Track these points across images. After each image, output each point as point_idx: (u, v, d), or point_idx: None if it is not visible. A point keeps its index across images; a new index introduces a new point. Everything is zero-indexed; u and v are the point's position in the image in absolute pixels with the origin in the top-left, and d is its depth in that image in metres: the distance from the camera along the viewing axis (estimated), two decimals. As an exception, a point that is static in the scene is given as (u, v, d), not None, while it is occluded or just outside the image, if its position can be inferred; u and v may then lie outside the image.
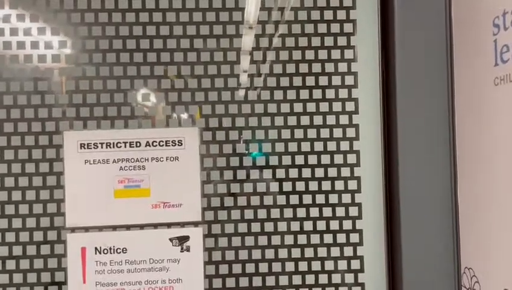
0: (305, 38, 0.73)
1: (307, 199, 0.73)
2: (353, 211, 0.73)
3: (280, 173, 0.73)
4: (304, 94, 0.73)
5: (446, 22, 0.69)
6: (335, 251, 0.73)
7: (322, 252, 0.73)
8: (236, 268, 0.72)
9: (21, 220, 0.70)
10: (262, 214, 0.72)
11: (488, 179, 0.61)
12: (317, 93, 0.73)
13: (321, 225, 0.73)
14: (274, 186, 0.73)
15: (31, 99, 0.70)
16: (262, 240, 0.72)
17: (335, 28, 0.73)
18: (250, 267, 0.72)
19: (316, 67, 0.73)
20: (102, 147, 0.70)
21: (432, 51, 0.69)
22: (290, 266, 0.72)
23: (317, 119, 0.73)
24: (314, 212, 0.73)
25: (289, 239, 0.73)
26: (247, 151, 0.73)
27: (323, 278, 0.72)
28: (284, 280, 0.72)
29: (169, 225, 0.71)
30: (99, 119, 0.71)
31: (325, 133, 0.73)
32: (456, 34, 0.68)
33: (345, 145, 0.73)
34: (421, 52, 0.69)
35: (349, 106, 0.74)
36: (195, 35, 0.72)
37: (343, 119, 0.73)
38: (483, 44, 0.60)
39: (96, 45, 0.71)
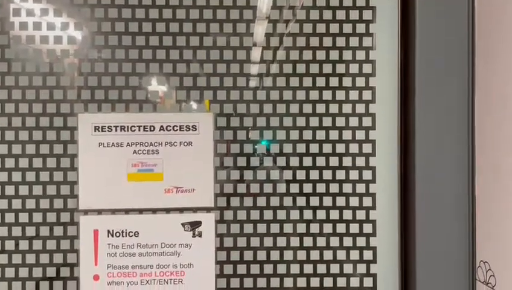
0: (323, 24, 0.72)
1: (321, 187, 0.72)
2: (367, 201, 0.72)
3: (294, 161, 0.72)
4: (321, 82, 0.72)
5: (469, 9, 0.67)
6: (347, 241, 0.72)
7: (334, 241, 0.72)
8: (248, 255, 0.71)
9: (34, 201, 0.70)
10: (274, 201, 0.72)
11: (506, 171, 0.59)
12: (333, 81, 0.72)
13: (334, 214, 0.72)
14: (287, 174, 0.72)
15: (46, 80, 0.70)
16: (274, 228, 0.72)
17: (354, 14, 0.72)
18: (261, 255, 0.71)
19: (334, 55, 0.72)
20: (116, 130, 0.70)
21: (453, 40, 0.68)
22: (301, 255, 0.72)
23: (333, 108, 0.72)
24: (327, 201, 0.72)
25: (301, 227, 0.72)
26: (256, 145, 0.72)
27: (334, 268, 0.72)
28: (295, 269, 0.72)
29: (181, 210, 0.71)
30: (114, 102, 0.71)
31: (340, 121, 0.72)
32: (479, 22, 0.66)
33: (360, 135, 0.72)
34: (442, 41, 0.68)
35: (366, 95, 0.72)
36: (212, 19, 0.71)
37: (360, 108, 0.72)
38: (507, 31, 0.59)
39: (112, 27, 0.71)
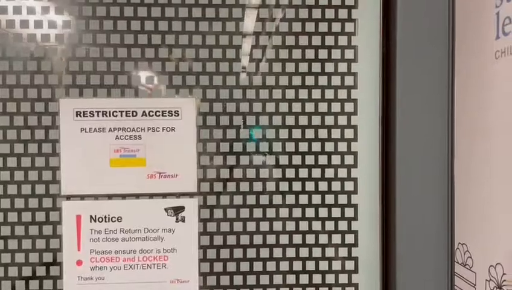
0: (306, 10, 0.72)
1: (303, 172, 0.73)
2: (349, 186, 0.73)
3: (276, 147, 0.73)
4: (303, 67, 0.72)
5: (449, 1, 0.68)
6: (329, 225, 0.73)
7: (316, 225, 0.73)
8: (231, 239, 0.72)
9: (16, 186, 0.70)
10: (258, 186, 0.72)
11: (484, 155, 0.60)
12: (316, 67, 0.73)
13: (316, 199, 0.73)
14: (270, 160, 0.73)
15: (27, 65, 0.70)
16: (257, 213, 0.72)
17: (336, 0, 0.72)
18: (244, 239, 0.72)
19: (316, 40, 0.72)
20: (98, 116, 0.70)
21: (434, 27, 0.69)
22: (284, 239, 0.73)
23: (316, 93, 0.73)
24: (309, 186, 0.73)
25: (284, 212, 0.73)
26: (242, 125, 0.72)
27: (316, 252, 0.73)
28: (278, 252, 0.72)
29: (164, 195, 0.71)
30: (96, 87, 0.70)
31: (323, 107, 0.73)
32: (458, 11, 0.67)
33: (342, 120, 0.73)
34: (423, 27, 0.69)
35: (349, 81, 0.73)
36: (194, 4, 0.71)
37: (342, 94, 0.73)
38: (484, 17, 0.59)
39: (93, 11, 0.70)
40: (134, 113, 0.70)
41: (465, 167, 0.66)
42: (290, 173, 0.73)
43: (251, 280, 0.72)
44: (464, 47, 0.66)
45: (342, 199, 0.73)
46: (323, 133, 0.73)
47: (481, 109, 0.61)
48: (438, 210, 0.69)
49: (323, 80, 0.73)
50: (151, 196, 0.71)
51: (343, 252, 0.73)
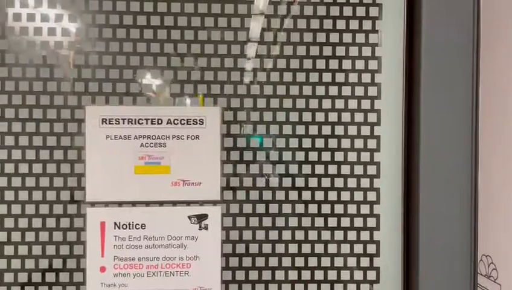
0: (330, 20, 0.73)
1: (326, 182, 0.73)
2: (371, 196, 0.73)
3: (300, 156, 0.73)
4: (327, 77, 0.73)
5: (474, 6, 0.68)
6: (351, 235, 0.73)
7: (338, 235, 0.73)
8: (253, 248, 0.72)
9: (41, 193, 0.70)
10: (280, 195, 0.73)
11: (508, 167, 0.61)
12: (339, 77, 0.73)
13: (339, 209, 0.73)
14: (293, 169, 0.73)
15: (54, 72, 0.70)
16: (280, 221, 0.73)
17: (360, 11, 0.73)
18: (266, 248, 0.72)
19: (340, 51, 0.73)
20: (123, 123, 0.70)
21: (458, 36, 0.69)
22: (306, 248, 0.73)
23: (339, 103, 0.73)
24: (332, 195, 0.73)
25: (306, 221, 0.73)
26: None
27: (338, 261, 0.73)
28: (300, 261, 0.73)
29: (188, 203, 0.71)
30: (122, 95, 0.71)
31: (346, 117, 0.73)
32: (484, 20, 0.67)
33: (365, 130, 0.73)
34: (447, 38, 0.69)
35: (372, 91, 0.73)
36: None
37: (365, 104, 0.73)
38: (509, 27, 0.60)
39: (120, 20, 0.71)
40: (160, 121, 0.71)
41: (489, 177, 0.66)
42: (313, 182, 0.73)
43: (273, 288, 0.72)
44: (489, 57, 0.66)
45: (364, 209, 0.73)
46: (346, 143, 0.73)
47: (506, 118, 0.61)
48: (462, 220, 0.69)
49: (346, 90, 0.73)
50: (174, 203, 0.71)
51: (364, 262, 0.73)
